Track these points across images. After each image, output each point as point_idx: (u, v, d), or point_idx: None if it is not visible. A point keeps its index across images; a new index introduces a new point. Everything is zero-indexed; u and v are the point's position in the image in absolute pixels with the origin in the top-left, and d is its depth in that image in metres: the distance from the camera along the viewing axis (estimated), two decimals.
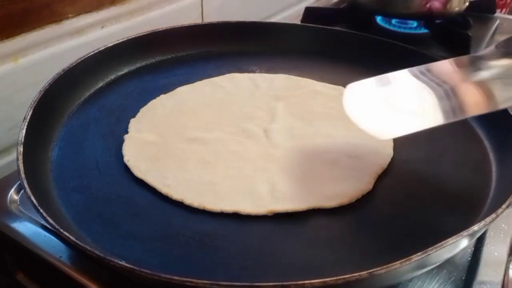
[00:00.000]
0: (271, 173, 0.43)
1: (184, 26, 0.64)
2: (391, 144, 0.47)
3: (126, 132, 0.48)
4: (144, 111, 0.51)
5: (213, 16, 0.79)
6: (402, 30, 0.79)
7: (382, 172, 0.44)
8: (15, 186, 0.45)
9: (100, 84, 0.56)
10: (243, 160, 0.44)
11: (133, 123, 0.49)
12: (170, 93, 0.55)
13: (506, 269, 0.39)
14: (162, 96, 0.54)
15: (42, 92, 0.47)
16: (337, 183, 0.42)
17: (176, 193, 0.40)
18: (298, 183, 0.42)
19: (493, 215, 0.34)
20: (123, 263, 0.31)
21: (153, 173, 0.42)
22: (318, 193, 0.41)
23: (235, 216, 0.39)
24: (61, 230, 0.33)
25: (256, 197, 0.40)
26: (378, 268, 0.29)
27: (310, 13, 0.82)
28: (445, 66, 0.46)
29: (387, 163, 0.45)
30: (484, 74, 0.45)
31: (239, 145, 0.46)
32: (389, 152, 0.46)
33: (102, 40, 0.61)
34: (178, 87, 0.56)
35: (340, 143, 0.48)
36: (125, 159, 0.44)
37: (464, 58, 0.47)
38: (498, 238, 0.42)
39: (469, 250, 0.41)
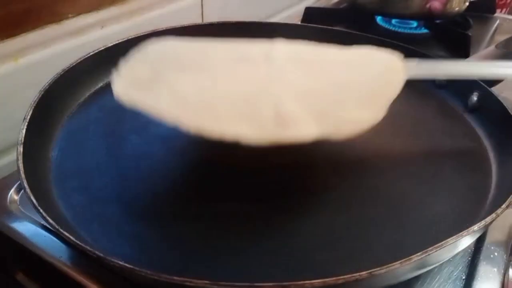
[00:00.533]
0: (274, 97, 0.39)
1: (184, 26, 0.64)
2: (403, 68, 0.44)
3: (126, 132, 0.48)
4: (134, 53, 0.46)
5: (213, 16, 0.79)
6: (402, 30, 0.79)
7: (381, 172, 0.44)
8: (15, 186, 0.45)
9: (100, 84, 0.56)
10: (245, 84, 0.41)
11: (123, 62, 0.44)
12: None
13: (506, 269, 0.40)
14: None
15: (42, 92, 0.47)
16: (347, 109, 0.39)
17: (170, 114, 0.36)
18: (304, 108, 0.38)
19: (493, 215, 0.34)
20: (123, 263, 0.31)
21: (147, 99, 0.38)
22: (325, 120, 0.37)
23: (235, 214, 0.39)
24: (61, 230, 0.33)
25: (259, 122, 0.37)
26: (378, 268, 0.29)
27: (310, 13, 0.82)
28: None
29: (400, 87, 0.41)
30: None
31: (238, 70, 0.42)
32: (401, 77, 0.42)
33: (102, 40, 0.61)
34: None
35: (351, 65, 0.44)
36: (115, 91, 0.40)
37: None
38: (498, 238, 0.42)
39: (469, 250, 0.41)
